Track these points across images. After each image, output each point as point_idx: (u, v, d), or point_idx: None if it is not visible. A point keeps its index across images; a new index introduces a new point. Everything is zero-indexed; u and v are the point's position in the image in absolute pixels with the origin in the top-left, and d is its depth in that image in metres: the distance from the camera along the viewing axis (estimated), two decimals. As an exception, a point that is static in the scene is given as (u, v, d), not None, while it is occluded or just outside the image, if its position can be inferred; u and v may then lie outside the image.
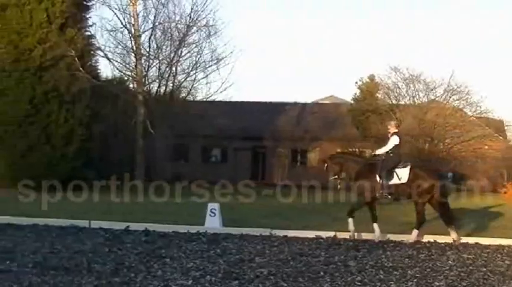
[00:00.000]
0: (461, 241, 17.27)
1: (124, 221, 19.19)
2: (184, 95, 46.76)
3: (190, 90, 46.05)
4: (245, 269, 12.38)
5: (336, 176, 18.68)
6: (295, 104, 57.79)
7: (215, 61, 43.72)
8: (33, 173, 34.35)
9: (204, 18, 42.83)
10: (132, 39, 41.45)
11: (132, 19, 41.28)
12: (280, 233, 17.92)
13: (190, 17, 42.89)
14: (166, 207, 24.68)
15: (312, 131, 53.47)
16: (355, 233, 17.66)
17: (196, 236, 17.06)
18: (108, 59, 41.66)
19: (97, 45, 41.27)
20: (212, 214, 18.92)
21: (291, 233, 17.96)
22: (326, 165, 19.05)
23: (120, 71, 43.52)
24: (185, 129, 47.32)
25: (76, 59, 37.35)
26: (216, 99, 45.80)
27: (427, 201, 17.78)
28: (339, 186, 19.04)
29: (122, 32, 41.67)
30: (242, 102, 55.10)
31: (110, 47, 41.60)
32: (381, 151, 18.35)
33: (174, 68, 43.83)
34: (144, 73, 41.93)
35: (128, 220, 19.31)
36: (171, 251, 14.45)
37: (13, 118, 35.40)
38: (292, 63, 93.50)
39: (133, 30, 41.20)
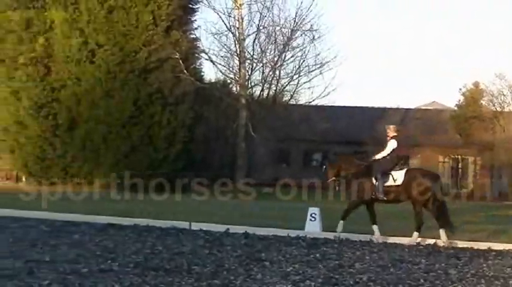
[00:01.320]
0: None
1: (224, 223, 19.19)
2: (287, 99, 46.80)
3: (293, 94, 46.12)
4: (344, 275, 12.18)
5: (334, 178, 18.93)
6: (397, 109, 57.10)
7: (318, 66, 43.67)
8: (135, 173, 34.88)
9: (308, 22, 42.79)
10: (236, 42, 41.69)
11: (237, 23, 41.50)
12: (380, 239, 17.67)
13: (294, 21, 42.95)
14: (266, 210, 24.63)
15: (413, 137, 52.77)
16: (341, 235, 17.77)
17: (296, 240, 16.92)
18: (212, 62, 42.05)
19: (201, 48, 41.73)
20: (312, 219, 18.75)
21: (391, 239, 17.65)
22: (324, 167, 19.49)
23: (223, 74, 43.87)
24: (287, 133, 47.26)
25: (180, 61, 37.75)
26: (318, 104, 45.66)
27: (423, 202, 17.82)
28: (337, 187, 19.31)
29: (226, 36, 42.04)
30: (344, 107, 54.79)
31: (214, 50, 42.09)
32: (379, 156, 18.47)
33: (277, 72, 43.95)
34: (248, 76, 42.12)
35: (228, 222, 19.30)
36: (270, 254, 14.34)
37: (117, 119, 35.97)
38: (395, 68, 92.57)
39: (237, 34, 41.41)
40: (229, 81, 45.97)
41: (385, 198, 18.17)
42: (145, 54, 36.75)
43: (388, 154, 18.29)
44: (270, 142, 47.24)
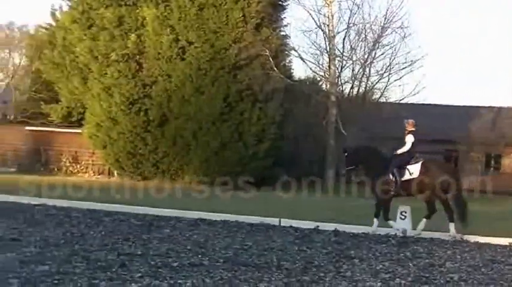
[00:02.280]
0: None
1: (314, 220, 19.17)
2: (377, 96, 46.47)
3: (383, 92, 45.75)
4: (435, 274, 12.06)
5: (352, 167, 19.16)
6: (490, 108, 56.08)
7: (409, 63, 43.20)
8: (224, 170, 35.15)
9: (399, 19, 42.34)
10: (326, 40, 41.53)
11: (327, 20, 41.30)
12: (471, 238, 17.45)
13: (385, 18, 42.53)
14: (356, 207, 24.49)
15: (507, 136, 51.76)
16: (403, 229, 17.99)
17: (386, 239, 16.81)
18: (302, 59, 41.96)
19: (291, 45, 41.69)
20: (402, 217, 18.57)
21: (483, 239, 17.40)
22: (346, 155, 19.33)
23: (313, 71, 43.74)
24: (377, 131, 46.87)
25: (270, 58, 37.80)
26: (409, 102, 45.20)
27: (439, 194, 18.13)
28: (353, 178, 19.84)
29: (316, 33, 41.89)
30: (435, 105, 54.09)
31: (303, 47, 42.07)
32: (401, 151, 18.77)
33: (367, 70, 43.67)
34: (338, 74, 41.93)
35: (317, 219, 19.27)
36: (360, 252, 14.29)
37: (208, 116, 36.22)
38: (487, 66, 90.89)
39: (327, 31, 41.23)
40: (318, 78, 45.82)
41: (403, 193, 18.48)
42: (235, 51, 36.87)
43: (409, 149, 18.65)
44: (360, 140, 46.92)
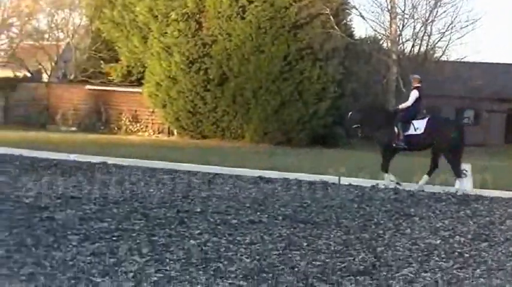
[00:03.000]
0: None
1: (374, 178, 19.01)
2: (438, 55, 45.91)
3: (445, 50, 45.19)
4: (495, 232, 11.92)
5: (357, 125, 19.69)
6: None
7: (471, 22, 42.56)
8: (284, 128, 35.12)
9: (462, -24, 41.65)
10: (388, -2, 41.05)
11: (388, -23, 40.80)
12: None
13: (448, -25, 41.88)
14: (415, 165, 24.24)
15: None
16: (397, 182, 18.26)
17: (446, 197, 16.61)
18: (363, 17, 41.84)
19: (352, 3, 41.32)
20: (464, 175, 18.37)
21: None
22: (349, 114, 20.01)
23: (374, 29, 43.42)
24: (438, 90, 46.34)
25: (331, 17, 37.49)
26: (470, 61, 44.58)
27: (444, 150, 18.43)
28: (359, 134, 20.25)
29: (377, -9, 41.43)
30: (497, 64, 53.27)
31: (364, 5, 41.72)
32: (404, 106, 19.29)
33: (428, 28, 43.20)
34: (399, 32, 41.53)
35: (378, 178, 19.11)
36: (420, 210, 14.14)
37: (267, 75, 36.10)
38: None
39: (389, -11, 40.74)
40: (379, 37, 45.49)
41: (405, 147, 18.77)
42: (295, 9, 36.61)
43: (412, 104, 18.94)
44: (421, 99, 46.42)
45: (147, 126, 39.60)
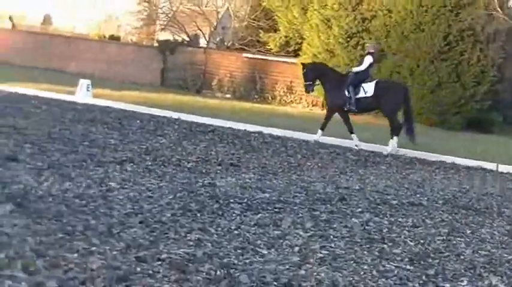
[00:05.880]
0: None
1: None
2: None
3: None
4: None
5: (310, 83, 20.51)
6: None
7: None
8: (439, 109, 34.49)
9: None
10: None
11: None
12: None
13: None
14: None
15: None
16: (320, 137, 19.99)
17: None
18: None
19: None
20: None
21: None
22: (304, 70, 20.81)
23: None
24: None
25: (495, -2, 36.46)
26: None
27: (393, 111, 19.82)
28: (311, 92, 21.27)
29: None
30: None
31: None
32: (357, 69, 20.57)
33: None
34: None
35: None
36: None
37: (426, 53, 35.45)
38: None
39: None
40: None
41: (356, 110, 20.05)
42: (459, -12, 35.80)
43: (366, 68, 20.23)
44: None
45: (301, 98, 39.58)
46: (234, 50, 46.02)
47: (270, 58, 41.61)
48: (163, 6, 53.81)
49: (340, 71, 35.39)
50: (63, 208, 8.13)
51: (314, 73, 20.65)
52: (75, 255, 6.44)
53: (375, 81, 20.14)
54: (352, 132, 20.07)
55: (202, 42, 50.34)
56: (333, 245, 8.03)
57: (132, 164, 11.80)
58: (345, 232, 8.78)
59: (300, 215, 9.47)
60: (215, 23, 50.13)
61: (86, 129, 15.94)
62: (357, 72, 20.29)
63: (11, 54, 47.41)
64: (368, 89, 19.72)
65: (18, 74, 33.92)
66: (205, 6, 52.28)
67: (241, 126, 21.38)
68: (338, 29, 36.83)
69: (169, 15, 52.10)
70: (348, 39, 36.80)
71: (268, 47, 42.47)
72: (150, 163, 12.17)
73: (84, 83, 25.88)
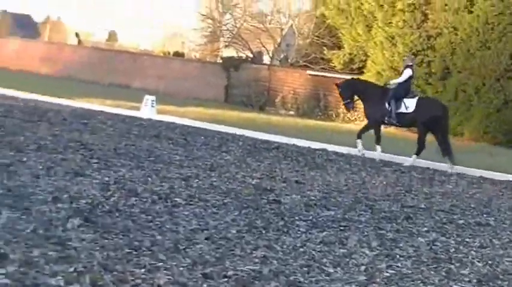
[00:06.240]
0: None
1: None
2: None
3: None
4: None
5: (349, 101, 20.80)
6: None
7: None
8: (505, 128, 34.03)
9: None
10: None
11: None
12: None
13: None
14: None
15: None
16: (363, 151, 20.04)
17: None
18: None
19: None
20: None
21: None
22: (339, 90, 21.06)
23: None
24: None
25: None
26: None
27: (430, 130, 19.88)
28: (351, 109, 21.92)
29: None
30: None
31: None
32: (396, 81, 20.95)
33: None
34: None
35: None
36: None
37: (492, 71, 35.00)
38: None
39: None
40: None
41: (397, 123, 20.43)
42: (526, 6, 35.34)
43: (405, 81, 20.34)
44: None
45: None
46: (297, 67, 46.07)
47: (334, 75, 41.51)
48: (228, 23, 54.18)
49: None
50: (130, 223, 8.19)
51: (350, 90, 20.77)
52: (142, 270, 6.48)
53: (416, 98, 20.31)
54: (378, 144, 20.27)
55: (266, 59, 50.53)
56: (399, 264, 7.95)
57: (197, 180, 11.84)
58: (411, 251, 8.69)
59: (366, 233, 9.40)
60: (279, 40, 50.28)
61: (151, 145, 16.06)
62: (397, 86, 20.38)
63: (77, 70, 48.25)
64: (409, 104, 19.86)
65: (83, 90, 34.41)
66: (269, 24, 52.48)
67: (305, 143, 21.33)
68: (403, 46, 36.64)
69: (234, 32, 52.40)
70: (413, 56, 36.52)
71: (332, 65, 42.40)
72: (215, 179, 12.20)
73: (149, 99, 26.11)
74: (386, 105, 19.95)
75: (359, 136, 20.31)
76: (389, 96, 20.01)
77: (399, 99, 19.90)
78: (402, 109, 19.84)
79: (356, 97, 20.89)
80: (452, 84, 35.65)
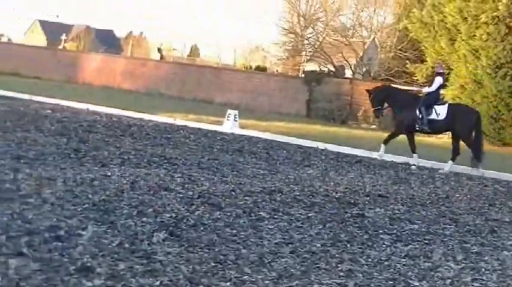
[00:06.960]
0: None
1: None
2: None
3: None
4: None
5: (379, 107, 20.93)
6: None
7: None
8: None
9: None
10: None
11: None
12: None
13: None
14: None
15: None
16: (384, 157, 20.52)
17: None
18: None
19: None
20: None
21: None
22: (370, 96, 21.10)
23: None
24: None
25: None
26: None
27: (463, 136, 19.82)
28: (381, 116, 22.08)
29: None
30: None
31: None
32: (427, 90, 20.74)
33: None
34: None
35: None
36: None
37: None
38: None
39: None
40: None
41: (429, 130, 20.48)
42: None
43: (436, 89, 20.39)
44: None
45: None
46: (380, 80, 45.84)
47: (416, 89, 41.20)
48: (309, 37, 54.27)
49: (487, 102, 35.12)
50: (215, 237, 8.33)
51: (380, 97, 20.93)
52: (228, 284, 6.60)
53: (447, 105, 20.52)
54: (414, 152, 20.43)
55: (348, 73, 50.44)
56: (484, 278, 7.93)
57: (280, 194, 11.94)
58: (496, 264, 8.65)
59: (450, 247, 9.38)
60: (361, 54, 50.16)
61: (234, 159, 16.24)
62: (428, 93, 20.53)
63: (160, 85, 48.80)
64: (440, 111, 19.98)
65: (166, 104, 34.85)
66: (352, 37, 52.40)
67: (388, 157, 21.24)
68: (486, 59, 36.17)
69: (315, 46, 52.47)
70: (497, 69, 36.07)
71: (415, 78, 42.10)
72: (298, 193, 12.28)
73: (231, 113, 26.31)
74: (417, 112, 20.08)
75: (385, 143, 20.91)
76: (420, 103, 20.19)
77: (430, 106, 20.03)
78: (433, 116, 19.98)
79: (386, 104, 21.10)
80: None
